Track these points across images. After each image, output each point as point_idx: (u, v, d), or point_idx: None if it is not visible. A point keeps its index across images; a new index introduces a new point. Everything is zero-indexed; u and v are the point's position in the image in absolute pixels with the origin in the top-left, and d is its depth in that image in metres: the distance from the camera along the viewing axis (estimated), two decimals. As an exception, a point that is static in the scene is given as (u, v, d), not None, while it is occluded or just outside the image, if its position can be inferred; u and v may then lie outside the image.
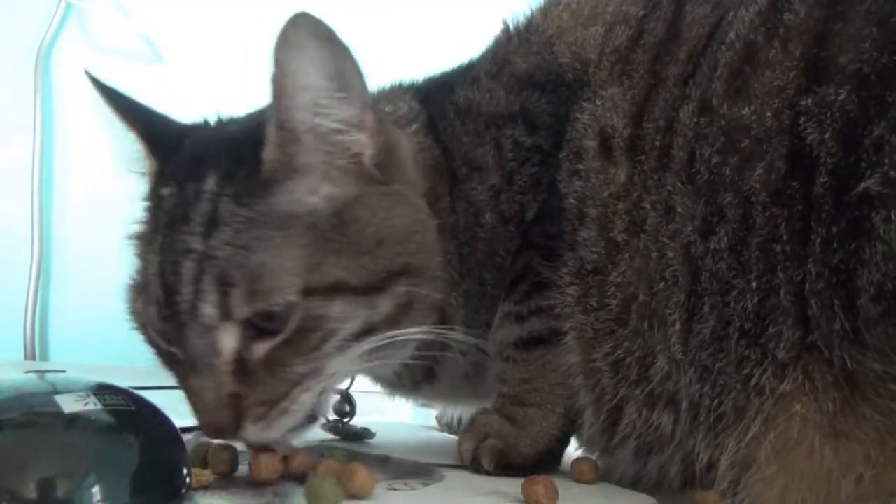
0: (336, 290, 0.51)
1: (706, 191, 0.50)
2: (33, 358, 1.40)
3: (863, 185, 0.43)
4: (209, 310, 0.48)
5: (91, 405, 0.37)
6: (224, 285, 0.48)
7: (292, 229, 0.50)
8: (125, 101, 0.61)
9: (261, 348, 0.49)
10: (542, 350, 0.61)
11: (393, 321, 0.54)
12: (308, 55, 0.50)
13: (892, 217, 0.42)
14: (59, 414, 0.36)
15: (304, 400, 0.51)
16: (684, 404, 0.52)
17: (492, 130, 0.65)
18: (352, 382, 0.71)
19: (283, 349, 0.50)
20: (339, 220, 0.52)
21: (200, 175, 0.53)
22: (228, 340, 0.49)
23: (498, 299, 0.64)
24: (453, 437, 0.80)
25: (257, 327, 0.49)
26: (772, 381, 0.47)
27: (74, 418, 0.36)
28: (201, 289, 0.48)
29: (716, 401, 0.50)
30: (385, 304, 0.53)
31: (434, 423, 0.90)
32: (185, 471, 0.39)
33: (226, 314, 0.48)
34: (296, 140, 0.52)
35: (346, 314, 0.51)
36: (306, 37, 0.49)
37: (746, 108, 0.49)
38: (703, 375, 0.50)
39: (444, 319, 0.62)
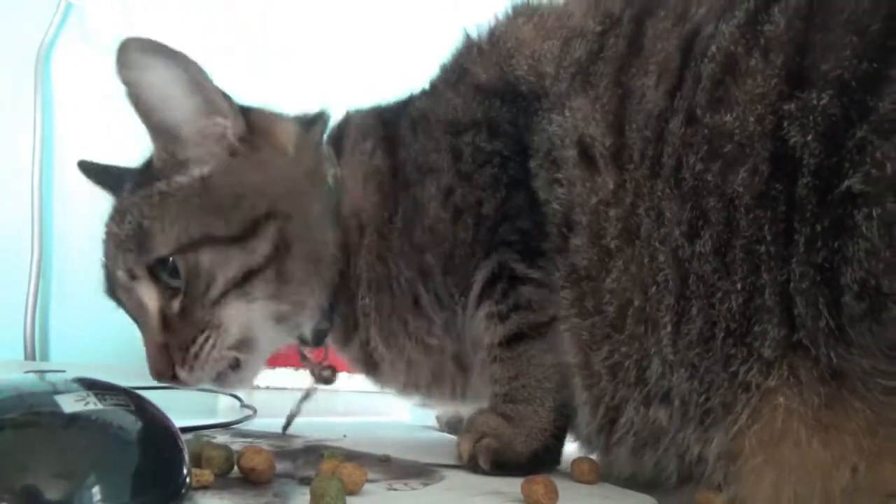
0: (204, 242, 0.63)
1: (691, 196, 0.52)
2: (33, 358, 1.40)
3: (846, 183, 0.45)
4: (121, 274, 0.65)
5: (91, 405, 0.37)
6: (125, 252, 0.64)
7: (169, 204, 0.64)
8: (104, 174, 0.79)
9: (175, 304, 0.63)
10: (525, 345, 0.63)
11: (277, 267, 0.64)
12: (151, 69, 0.62)
13: (874, 214, 0.43)
14: (59, 414, 0.36)
15: (212, 346, 0.63)
16: (676, 401, 0.53)
17: (448, 138, 0.68)
18: (326, 351, 0.77)
19: (186, 301, 0.63)
20: (205, 188, 0.65)
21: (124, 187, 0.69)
22: (149, 299, 0.64)
23: (451, 284, 0.66)
24: (453, 438, 0.80)
25: (171, 287, 0.63)
26: (757, 378, 0.48)
27: (74, 418, 0.36)
28: (116, 261, 0.65)
29: (703, 397, 0.51)
30: (262, 246, 0.64)
31: (434, 423, 0.90)
32: (185, 470, 0.39)
33: (130, 275, 0.64)
34: (173, 140, 0.65)
35: (217, 261, 0.63)
36: (142, 55, 0.61)
37: (728, 115, 0.51)
38: (692, 374, 0.52)
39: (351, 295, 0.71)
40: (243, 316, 0.64)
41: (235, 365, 0.66)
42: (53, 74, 1.52)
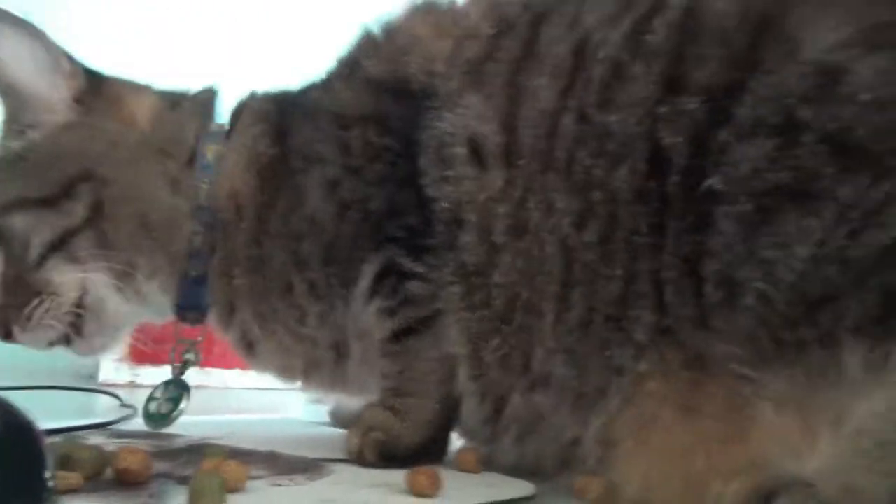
0: (16, 205, 0.67)
1: (581, 188, 0.55)
2: None
3: (708, 182, 0.49)
4: None
5: (-63, 406, 0.34)
6: None
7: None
8: None
9: (9, 270, 0.67)
10: (413, 340, 0.64)
11: (96, 230, 0.67)
12: (10, 36, 0.68)
13: (731, 211, 0.48)
14: None
15: (46, 310, 0.67)
16: (554, 386, 0.56)
17: (336, 130, 0.69)
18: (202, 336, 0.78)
19: (11, 266, 0.67)
20: (31, 151, 0.69)
21: None
22: None
23: (331, 275, 0.67)
24: (344, 432, 0.80)
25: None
26: (630, 363, 0.52)
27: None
28: None
29: (578, 381, 0.55)
30: (77, 207, 0.67)
31: (328, 418, 0.89)
32: (45, 474, 0.37)
33: None
34: (18, 104, 0.70)
35: (31, 224, 0.67)
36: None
37: (613, 116, 0.54)
38: (568, 359, 0.55)
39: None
40: (75, 280, 0.68)
41: (78, 330, 0.69)
42: None
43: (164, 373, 1.18)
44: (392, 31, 0.72)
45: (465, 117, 0.62)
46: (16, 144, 0.70)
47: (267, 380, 1.29)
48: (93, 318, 0.70)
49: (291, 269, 0.68)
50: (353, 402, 0.80)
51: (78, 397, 1.07)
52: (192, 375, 1.23)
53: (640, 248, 0.52)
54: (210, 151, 0.72)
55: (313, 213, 0.67)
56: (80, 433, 0.67)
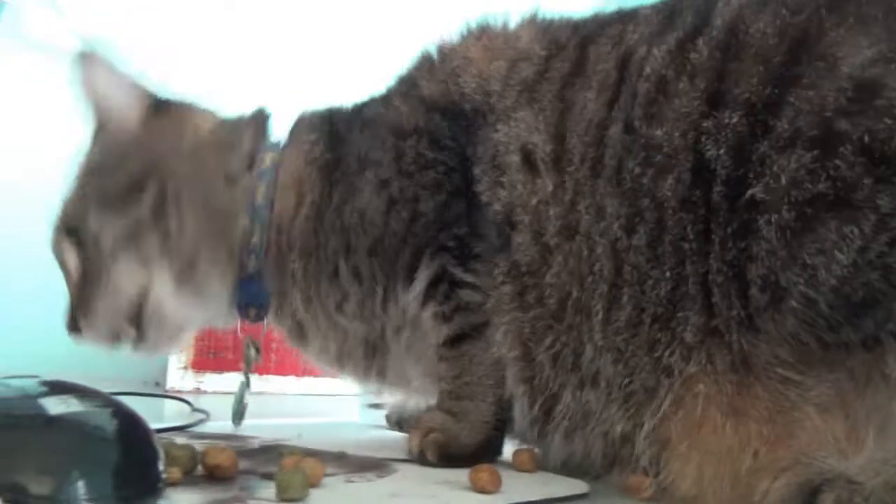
0: (91, 205, 0.74)
1: (630, 195, 0.59)
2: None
3: (750, 192, 0.52)
4: (53, 234, 0.76)
5: (73, 407, 0.39)
6: (58, 214, 0.77)
7: (80, 177, 0.77)
8: None
9: (82, 269, 0.73)
10: (467, 345, 0.68)
11: (160, 225, 0.73)
12: (94, 71, 0.78)
13: (773, 219, 0.50)
14: (44, 416, 0.38)
15: (107, 305, 0.73)
16: (602, 383, 0.59)
17: (392, 139, 0.74)
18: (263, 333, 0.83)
19: (84, 266, 0.74)
20: (102, 161, 0.78)
21: None
22: (70, 259, 0.75)
23: (375, 266, 0.71)
24: (401, 434, 0.84)
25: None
26: (679, 363, 0.55)
27: (59, 419, 0.38)
28: (54, 221, 0.77)
29: (627, 379, 0.58)
30: (145, 200, 0.73)
31: (384, 422, 0.94)
32: (160, 467, 0.42)
33: (57, 235, 0.76)
34: (95, 116, 0.79)
35: (102, 220, 0.73)
36: (87, 61, 0.78)
37: (659, 130, 0.58)
38: (617, 358, 0.58)
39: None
40: (139, 280, 0.73)
41: (141, 330, 0.75)
42: (-14, 73, 1.48)
43: (225, 379, 1.25)
44: (447, 54, 0.77)
45: (518, 129, 0.67)
46: (95, 156, 0.79)
47: (321, 385, 1.35)
48: (154, 318, 0.75)
49: (340, 255, 0.73)
50: (408, 402, 0.84)
51: (147, 403, 1.13)
52: (251, 382, 1.29)
53: (687, 252, 0.55)
54: (268, 158, 0.78)
55: (364, 207, 0.72)
56: (163, 435, 0.72)
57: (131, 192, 0.74)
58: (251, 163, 0.78)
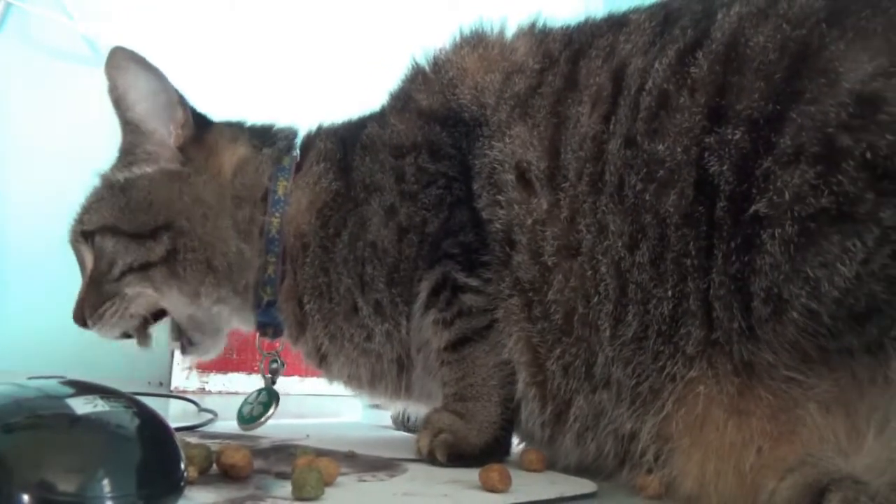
0: (111, 231, 0.77)
1: (632, 211, 0.59)
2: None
3: (754, 207, 0.53)
4: (71, 232, 0.81)
5: (99, 407, 0.40)
6: (79, 214, 0.81)
7: (106, 189, 0.80)
8: None
9: (94, 272, 0.78)
10: (469, 348, 0.68)
11: (170, 266, 0.77)
12: (130, 73, 0.77)
13: (776, 234, 0.51)
14: (71, 415, 0.39)
15: (114, 312, 0.77)
16: (614, 386, 0.60)
17: (391, 160, 0.75)
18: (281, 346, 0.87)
19: (96, 272, 0.77)
20: (129, 187, 0.78)
21: None
22: (86, 257, 0.79)
23: (396, 295, 0.72)
24: (407, 434, 0.85)
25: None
26: (681, 370, 0.56)
27: (86, 419, 0.39)
28: (75, 218, 0.81)
29: (634, 381, 0.59)
30: (157, 248, 0.76)
31: (389, 422, 0.95)
32: (182, 465, 0.43)
33: (75, 235, 0.80)
34: (135, 136, 0.79)
35: (119, 249, 0.77)
36: (125, 61, 0.77)
37: (661, 145, 0.58)
38: (625, 364, 0.59)
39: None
40: (146, 295, 0.78)
41: (144, 325, 0.80)
42: (-7, 75, 1.49)
43: (230, 380, 1.26)
44: (441, 65, 0.77)
45: (513, 145, 0.67)
46: (121, 176, 0.79)
47: (324, 386, 1.36)
48: (183, 324, 0.80)
49: (356, 292, 0.74)
50: (418, 409, 0.85)
51: (153, 403, 1.14)
52: (256, 383, 1.30)
53: (688, 269, 0.56)
54: (281, 187, 0.79)
55: (375, 239, 0.73)
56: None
57: (146, 237, 0.76)
58: (266, 193, 0.79)
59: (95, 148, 1.53)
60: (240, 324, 0.83)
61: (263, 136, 0.84)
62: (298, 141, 0.85)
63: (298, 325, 0.79)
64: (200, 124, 0.81)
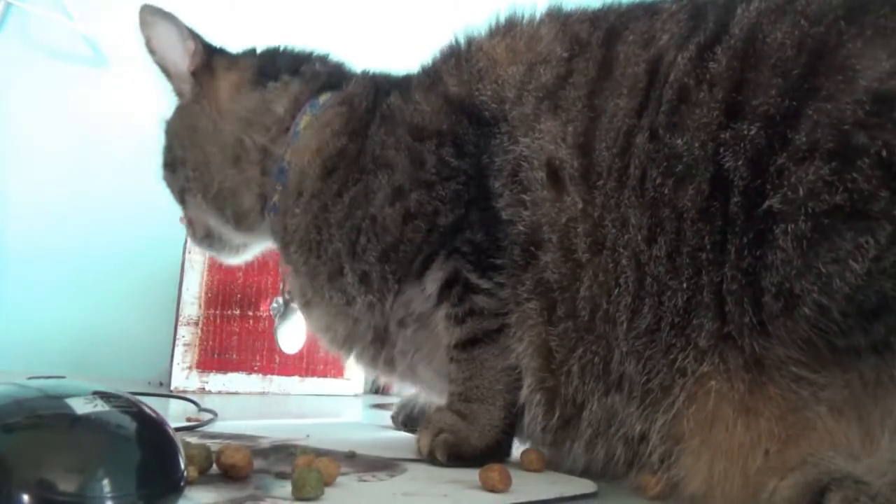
0: (168, 164, 0.90)
1: (651, 205, 0.59)
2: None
3: (767, 203, 0.53)
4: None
5: (99, 407, 0.40)
6: None
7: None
8: None
9: None
10: (479, 349, 0.68)
11: (198, 190, 0.86)
12: (154, 24, 0.86)
13: (789, 229, 0.51)
14: (71, 415, 0.39)
15: (190, 228, 0.93)
16: (626, 386, 0.60)
17: (409, 139, 0.73)
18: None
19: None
20: (166, 126, 0.89)
21: None
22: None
23: (388, 271, 0.72)
24: (407, 435, 0.85)
25: None
26: (693, 365, 0.56)
27: (86, 419, 0.39)
28: None
29: (645, 378, 0.58)
30: (181, 176, 0.87)
31: (389, 422, 0.95)
32: (182, 466, 0.43)
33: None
34: (167, 75, 0.88)
35: (169, 177, 0.89)
36: (148, 16, 0.86)
37: (680, 140, 0.58)
38: (637, 360, 0.59)
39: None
40: (197, 210, 0.89)
41: (209, 236, 0.92)
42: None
43: (230, 380, 1.26)
44: (474, 50, 0.74)
45: (542, 141, 0.65)
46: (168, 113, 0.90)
47: (325, 386, 1.36)
48: (220, 233, 0.91)
49: (345, 258, 0.74)
50: (418, 399, 0.85)
51: (154, 403, 1.14)
52: (255, 383, 1.30)
53: (703, 262, 0.56)
54: (304, 120, 0.81)
55: (376, 213, 0.72)
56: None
57: (173, 167, 0.88)
58: (288, 126, 0.82)
59: (96, 148, 1.53)
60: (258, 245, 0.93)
61: (291, 64, 0.87)
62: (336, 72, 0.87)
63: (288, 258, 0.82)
64: (213, 52, 0.88)
